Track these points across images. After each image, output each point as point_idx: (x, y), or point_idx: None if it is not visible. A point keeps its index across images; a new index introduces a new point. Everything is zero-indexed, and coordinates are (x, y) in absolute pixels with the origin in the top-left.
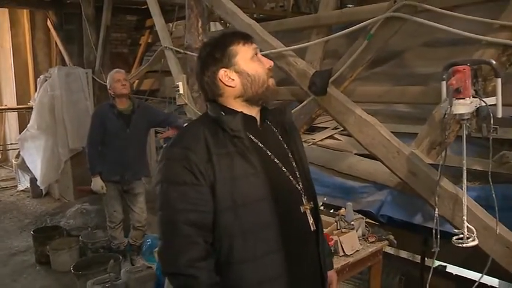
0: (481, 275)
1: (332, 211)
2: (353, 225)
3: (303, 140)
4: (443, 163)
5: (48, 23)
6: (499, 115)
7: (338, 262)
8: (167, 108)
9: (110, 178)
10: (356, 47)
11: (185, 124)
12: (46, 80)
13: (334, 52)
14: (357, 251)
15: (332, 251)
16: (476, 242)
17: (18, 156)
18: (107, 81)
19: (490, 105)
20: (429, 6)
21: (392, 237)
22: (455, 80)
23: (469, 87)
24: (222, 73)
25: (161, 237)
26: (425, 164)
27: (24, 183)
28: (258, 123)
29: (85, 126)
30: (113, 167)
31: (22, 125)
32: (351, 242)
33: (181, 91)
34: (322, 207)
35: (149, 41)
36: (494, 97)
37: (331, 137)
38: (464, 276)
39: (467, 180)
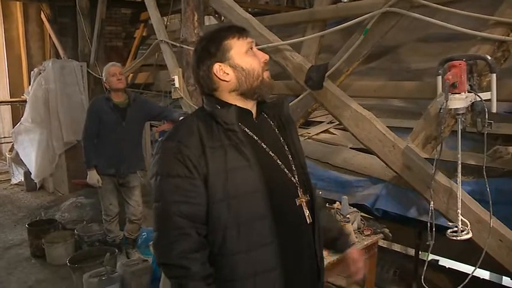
0: (473, 268)
1: (327, 205)
2: (348, 218)
3: (299, 134)
4: (438, 157)
5: (42, 15)
6: (494, 110)
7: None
8: (163, 102)
9: (105, 171)
10: (352, 41)
11: (181, 117)
12: (40, 73)
13: (329, 47)
14: (353, 244)
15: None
16: (470, 235)
17: (12, 149)
18: (103, 75)
19: (484, 100)
20: (425, 1)
21: (387, 230)
22: (451, 75)
23: (465, 82)
24: (217, 67)
25: (155, 228)
26: (421, 158)
27: (18, 177)
28: (254, 116)
29: (80, 119)
30: (108, 160)
31: (16, 118)
32: None
33: (177, 85)
34: None
35: (144, 34)
36: (489, 92)
37: (327, 131)
38: (457, 269)
39: (461, 175)
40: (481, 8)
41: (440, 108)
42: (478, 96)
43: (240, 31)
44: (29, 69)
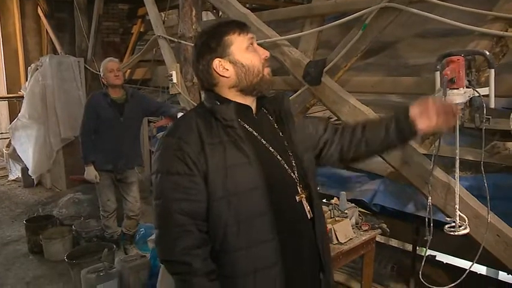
0: (470, 263)
1: (325, 200)
2: (346, 213)
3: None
4: (436, 153)
5: (39, 10)
6: (492, 105)
7: (332, 250)
8: (160, 98)
9: (103, 167)
10: (350, 37)
11: (179, 113)
12: (37, 69)
13: (327, 42)
14: (351, 239)
15: None
16: (467, 230)
17: (9, 145)
18: (101, 70)
19: (483, 95)
20: None
21: (384, 225)
22: (450, 70)
23: (463, 78)
24: (217, 63)
25: (156, 226)
26: (419, 154)
27: (15, 173)
28: (254, 112)
29: (77, 115)
30: (106, 156)
31: (13, 114)
32: (344, 230)
33: (175, 80)
34: None
35: (142, 30)
36: (487, 88)
37: None
38: (454, 264)
39: (459, 170)
40: (479, 3)
41: None
42: (476, 91)
43: (241, 26)
44: (26, 65)
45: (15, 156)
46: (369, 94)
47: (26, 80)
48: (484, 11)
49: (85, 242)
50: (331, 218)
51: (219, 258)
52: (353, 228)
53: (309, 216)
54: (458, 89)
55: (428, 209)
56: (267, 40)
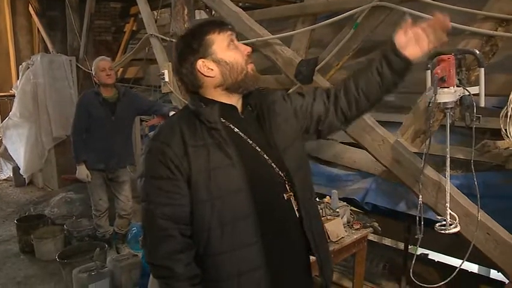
0: (461, 261)
1: (317, 199)
2: (338, 212)
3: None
4: (427, 151)
5: (30, 8)
6: (482, 104)
7: None
8: (152, 96)
9: (95, 166)
10: (342, 35)
11: (171, 112)
12: (29, 68)
13: (319, 41)
14: (342, 237)
15: None
16: (458, 229)
17: (0, 144)
18: (92, 69)
19: (473, 94)
20: None
21: (376, 224)
22: (440, 69)
23: (453, 77)
24: (200, 63)
25: (142, 228)
26: (410, 152)
27: (6, 172)
28: (240, 111)
29: (69, 114)
30: (98, 155)
31: (4, 113)
32: (336, 229)
33: (167, 79)
34: None
35: (134, 28)
36: (478, 87)
37: None
38: (445, 262)
39: (450, 169)
40: (470, 2)
41: (429, 103)
42: (467, 90)
43: (220, 25)
44: (18, 64)
45: (6, 156)
46: None
47: (18, 78)
48: (474, 11)
49: (77, 242)
50: (323, 216)
51: (203, 262)
52: (344, 227)
53: (297, 214)
54: (448, 87)
55: (418, 207)
56: (259, 39)
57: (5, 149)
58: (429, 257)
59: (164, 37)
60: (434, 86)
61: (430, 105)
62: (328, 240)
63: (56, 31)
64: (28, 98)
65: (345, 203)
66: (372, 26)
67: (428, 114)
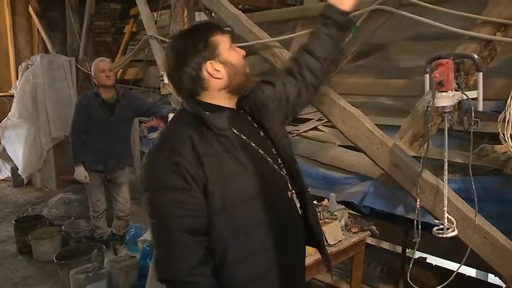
0: (459, 265)
1: (315, 202)
2: (336, 215)
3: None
4: (425, 155)
5: (30, 9)
6: (480, 109)
7: None
8: (152, 98)
9: (93, 167)
10: None
11: (170, 114)
12: (28, 68)
13: None
14: (340, 241)
15: None
16: (455, 233)
17: None
18: (92, 70)
19: (471, 98)
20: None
21: (374, 227)
22: (439, 73)
23: (452, 81)
24: (209, 65)
25: (155, 245)
26: (408, 156)
27: (4, 172)
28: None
29: (68, 115)
30: (96, 156)
31: (3, 113)
32: (334, 232)
33: (166, 81)
34: None
35: (134, 29)
36: (476, 91)
37: (315, 128)
38: (443, 266)
39: (448, 173)
40: (469, 7)
41: (428, 106)
42: (465, 94)
43: (219, 27)
44: (17, 64)
45: (4, 156)
46: (359, 96)
47: (17, 78)
48: (473, 15)
49: (75, 243)
50: (321, 219)
51: (218, 271)
52: (342, 230)
53: (300, 211)
54: (446, 91)
55: (416, 211)
56: (258, 41)
57: (4, 149)
58: (427, 260)
59: (163, 38)
60: (432, 90)
61: (428, 109)
62: (326, 243)
63: (55, 32)
64: (27, 99)
65: (343, 206)
66: (371, 30)
67: (426, 118)
